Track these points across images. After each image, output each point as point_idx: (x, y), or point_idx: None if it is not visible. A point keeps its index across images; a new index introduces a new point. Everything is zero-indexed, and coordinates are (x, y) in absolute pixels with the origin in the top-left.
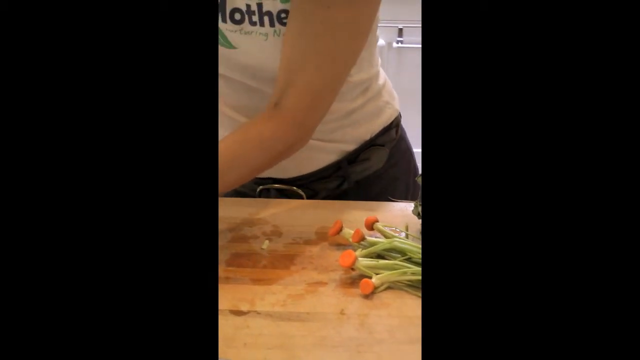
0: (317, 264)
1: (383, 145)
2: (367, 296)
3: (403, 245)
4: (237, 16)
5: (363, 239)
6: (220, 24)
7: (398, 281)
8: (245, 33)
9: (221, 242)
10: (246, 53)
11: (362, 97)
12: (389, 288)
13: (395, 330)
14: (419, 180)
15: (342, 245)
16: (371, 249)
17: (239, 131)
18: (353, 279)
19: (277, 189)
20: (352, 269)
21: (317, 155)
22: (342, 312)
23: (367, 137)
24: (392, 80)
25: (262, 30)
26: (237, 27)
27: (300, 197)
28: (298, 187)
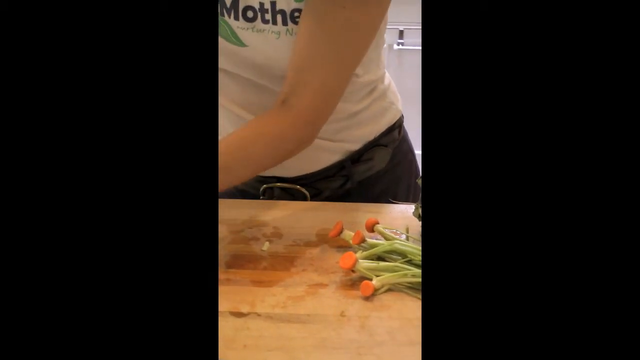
0: (317, 266)
1: (386, 146)
2: (367, 298)
3: (403, 247)
4: (250, 14)
5: (363, 240)
6: (232, 22)
7: (398, 283)
8: (258, 31)
9: (221, 243)
10: (257, 51)
11: (368, 97)
12: (389, 290)
13: (395, 332)
14: (420, 182)
15: (342, 247)
16: (372, 251)
17: (246, 128)
18: (353, 281)
19: (281, 188)
20: (353, 271)
21: (322, 154)
22: (342, 314)
23: (371, 137)
24: (393, 82)
25: (275, 28)
26: (249, 24)
27: (304, 196)
28: (302, 186)
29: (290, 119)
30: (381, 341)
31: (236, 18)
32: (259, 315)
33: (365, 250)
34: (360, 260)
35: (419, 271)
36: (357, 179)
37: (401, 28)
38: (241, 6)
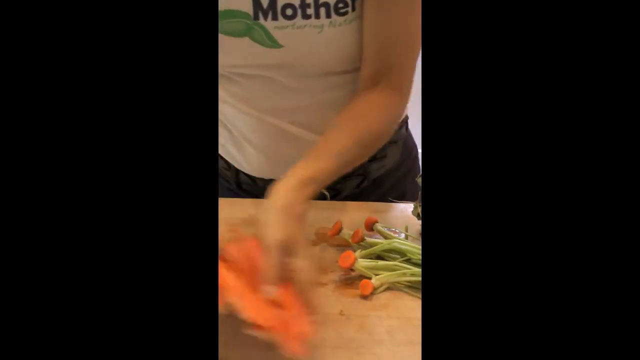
0: (316, 265)
1: (396, 142)
2: (366, 297)
3: (402, 246)
4: (289, 11)
5: (363, 239)
6: (268, 23)
7: (397, 282)
8: (298, 28)
9: (220, 243)
10: (293, 50)
11: None
12: (388, 289)
13: (394, 332)
14: (419, 180)
15: (341, 246)
16: (371, 250)
17: (354, 118)
18: (352, 280)
19: None
20: (352, 270)
21: None
22: (341, 313)
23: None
24: None
25: (317, 22)
26: (288, 22)
27: (325, 197)
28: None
29: (388, 98)
30: (380, 340)
31: (274, 18)
32: None
33: (365, 249)
34: (360, 259)
35: (418, 270)
36: (372, 176)
37: None
38: (280, 5)
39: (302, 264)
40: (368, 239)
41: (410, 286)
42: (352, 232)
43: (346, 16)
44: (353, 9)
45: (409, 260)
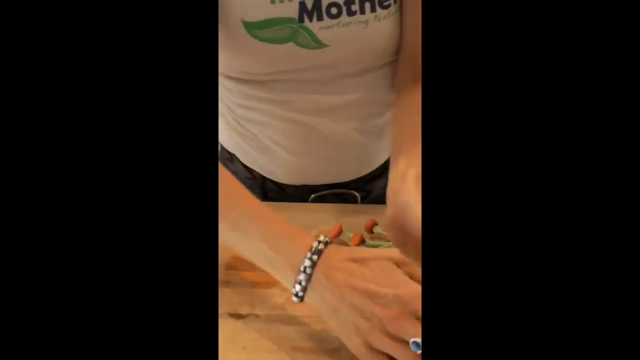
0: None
1: None
2: None
3: None
4: (334, 10)
5: (363, 242)
6: (313, 24)
7: None
8: (344, 25)
9: (220, 245)
10: (338, 49)
11: None
12: None
13: None
14: None
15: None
16: (372, 242)
17: (411, 116)
18: None
19: (334, 194)
20: None
21: (377, 153)
22: None
23: None
24: None
25: (362, 17)
26: (333, 21)
27: (355, 199)
28: (353, 189)
29: None
30: None
31: (319, 18)
32: (258, 316)
33: None
34: None
35: None
36: None
37: None
38: (324, 5)
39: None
40: (368, 242)
41: None
42: (352, 235)
43: (389, 9)
44: (395, 1)
45: None
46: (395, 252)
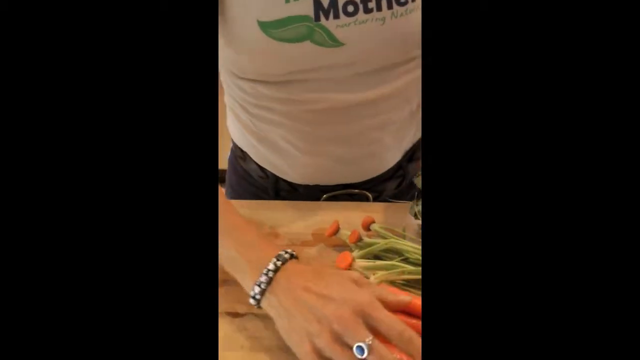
0: (314, 266)
1: None
2: None
3: (400, 246)
4: (350, 8)
5: (360, 239)
6: (330, 22)
7: (395, 281)
8: (360, 23)
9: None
10: (355, 46)
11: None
12: None
13: None
14: (415, 180)
15: (339, 246)
16: (368, 250)
17: None
18: None
19: (347, 194)
20: (350, 271)
21: (390, 154)
22: None
23: (420, 134)
24: None
25: (379, 15)
26: (350, 19)
27: (367, 199)
28: (365, 190)
29: None
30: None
31: (336, 16)
32: (256, 315)
33: (362, 250)
34: (357, 260)
35: (415, 269)
36: (409, 177)
37: None
38: (341, 3)
39: None
40: (365, 239)
41: (408, 285)
42: (349, 232)
43: (407, 5)
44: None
45: (406, 260)
46: (355, 274)
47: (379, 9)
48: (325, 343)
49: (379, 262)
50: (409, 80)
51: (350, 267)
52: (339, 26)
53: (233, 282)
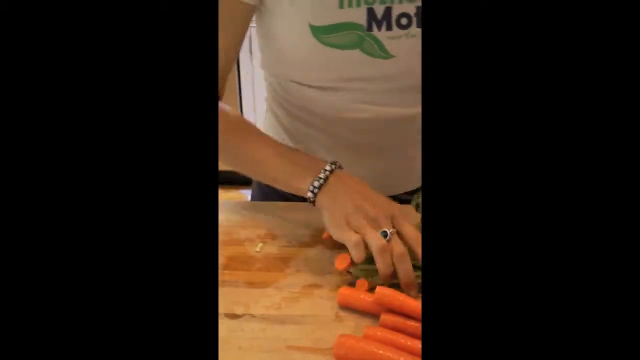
0: (312, 267)
1: None
2: None
3: None
4: (404, 21)
5: None
6: (382, 34)
7: (394, 282)
8: (411, 36)
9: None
10: (405, 59)
11: None
12: None
13: None
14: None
15: (337, 248)
16: (368, 251)
17: None
18: (348, 282)
19: None
20: (349, 272)
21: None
22: (337, 315)
23: None
24: None
25: None
26: (402, 32)
27: None
28: (402, 202)
29: None
30: None
31: (389, 28)
32: (253, 316)
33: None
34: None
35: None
36: None
37: None
38: (394, 15)
39: None
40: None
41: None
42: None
43: None
44: None
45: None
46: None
47: None
48: (358, 221)
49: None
50: None
51: (349, 268)
52: (390, 38)
53: (230, 283)
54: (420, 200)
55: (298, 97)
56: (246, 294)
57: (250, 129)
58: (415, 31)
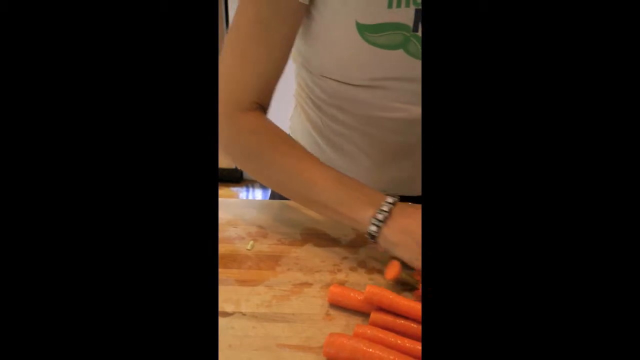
0: (302, 265)
1: None
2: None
3: None
4: None
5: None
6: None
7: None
8: None
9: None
10: None
11: None
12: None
13: None
14: None
15: (325, 247)
16: None
17: None
18: (339, 280)
19: None
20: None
21: None
22: (327, 313)
23: None
24: None
25: None
26: None
27: None
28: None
29: None
30: None
31: None
32: (243, 314)
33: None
34: (404, 269)
35: None
36: None
37: None
38: None
39: None
40: None
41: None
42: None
43: None
44: None
45: None
46: None
47: None
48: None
49: None
50: None
51: (398, 276)
52: None
53: (220, 281)
54: None
55: (333, 95)
56: (237, 291)
57: (299, 150)
58: None
